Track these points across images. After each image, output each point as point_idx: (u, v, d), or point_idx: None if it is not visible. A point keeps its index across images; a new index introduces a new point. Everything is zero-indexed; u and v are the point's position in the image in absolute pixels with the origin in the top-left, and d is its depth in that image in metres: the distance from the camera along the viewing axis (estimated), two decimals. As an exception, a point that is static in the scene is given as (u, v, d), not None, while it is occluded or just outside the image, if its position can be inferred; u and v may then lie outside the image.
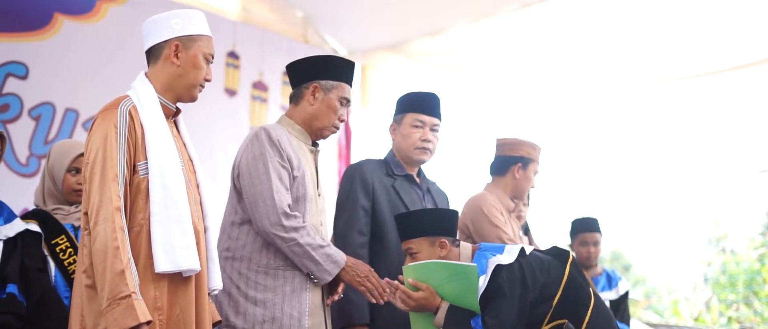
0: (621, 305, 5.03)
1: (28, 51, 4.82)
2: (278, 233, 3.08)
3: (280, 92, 6.29)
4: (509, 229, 4.17)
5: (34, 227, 3.19)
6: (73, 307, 2.61)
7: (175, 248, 2.59)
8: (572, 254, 3.30)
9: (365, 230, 3.61)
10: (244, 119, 6.05)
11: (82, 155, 3.09)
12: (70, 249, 3.24)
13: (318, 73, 3.32)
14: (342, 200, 3.69)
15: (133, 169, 2.62)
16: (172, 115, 2.83)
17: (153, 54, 2.78)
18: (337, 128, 3.39)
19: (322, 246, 3.15)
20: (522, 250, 3.17)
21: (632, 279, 12.14)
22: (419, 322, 3.26)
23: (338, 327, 3.55)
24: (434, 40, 6.45)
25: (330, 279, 3.19)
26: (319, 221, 3.31)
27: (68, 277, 3.20)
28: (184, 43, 2.74)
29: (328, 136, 3.40)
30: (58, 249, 3.24)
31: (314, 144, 3.40)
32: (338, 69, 3.36)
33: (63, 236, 3.26)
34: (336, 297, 3.27)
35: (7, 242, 3.08)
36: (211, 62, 2.84)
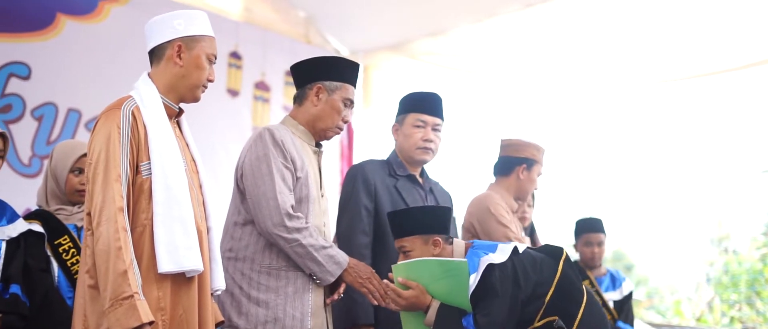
0: (625, 305, 5.03)
1: (31, 51, 4.83)
2: (281, 233, 3.08)
3: (282, 92, 6.29)
4: (515, 228, 4.17)
5: (37, 227, 3.20)
6: (76, 307, 2.62)
7: (178, 248, 2.59)
8: (565, 251, 3.27)
9: (368, 231, 3.60)
10: (246, 120, 6.05)
11: (85, 155, 3.10)
12: (73, 250, 3.24)
13: (322, 74, 3.32)
14: (344, 201, 3.69)
15: (136, 169, 2.63)
16: (175, 115, 2.84)
17: (156, 54, 2.78)
18: (341, 129, 3.39)
19: (324, 247, 3.15)
20: (515, 249, 3.16)
21: (634, 279, 12.12)
22: (410, 321, 3.24)
23: (343, 327, 3.55)
24: (437, 40, 6.45)
25: (332, 280, 3.19)
26: (322, 222, 3.31)
27: (71, 277, 3.20)
28: (186, 43, 2.75)
29: (331, 137, 3.40)
30: (61, 250, 3.24)
31: (318, 145, 3.40)
32: (342, 70, 3.36)
33: (66, 236, 3.27)
34: (336, 297, 3.26)
35: (10, 242, 3.08)
36: (214, 63, 2.84)
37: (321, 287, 3.23)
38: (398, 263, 3.22)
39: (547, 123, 7.87)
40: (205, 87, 2.83)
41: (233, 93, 5.98)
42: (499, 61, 6.46)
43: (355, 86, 3.40)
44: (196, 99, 2.84)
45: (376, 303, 3.22)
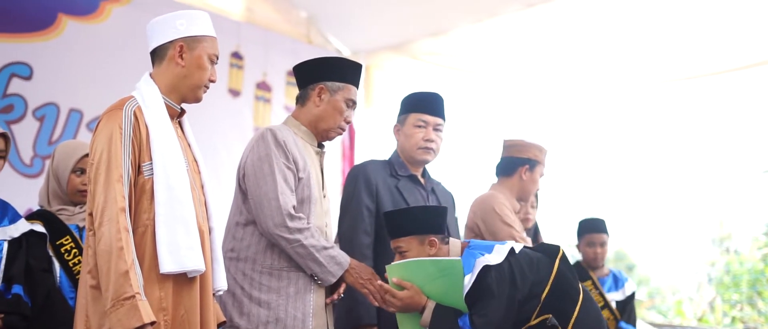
0: (627, 306, 5.03)
1: (32, 52, 4.83)
2: (282, 234, 3.08)
3: (283, 92, 6.30)
4: (519, 228, 4.18)
5: (39, 227, 3.20)
6: (78, 308, 2.62)
7: (179, 248, 2.59)
8: (562, 249, 3.26)
9: (370, 231, 3.60)
10: (247, 120, 6.05)
11: (86, 155, 3.10)
12: (74, 250, 3.25)
13: (324, 75, 3.32)
14: (346, 202, 3.69)
15: (137, 170, 2.63)
16: (177, 116, 2.84)
17: (158, 55, 2.78)
18: (344, 130, 3.39)
19: (326, 248, 3.15)
20: (511, 249, 3.15)
21: (636, 279, 12.11)
22: (406, 322, 3.23)
23: (345, 327, 3.55)
24: (438, 40, 6.45)
25: (334, 280, 3.19)
26: (324, 222, 3.31)
27: (73, 278, 3.20)
28: (188, 44, 2.75)
29: (334, 138, 3.40)
30: (62, 250, 3.24)
31: (320, 146, 3.40)
32: (344, 70, 3.36)
33: (68, 236, 3.27)
34: (335, 297, 3.26)
35: (12, 242, 3.08)
36: (216, 63, 2.84)
37: (322, 287, 3.23)
38: (392, 263, 3.21)
39: (548, 123, 7.86)
40: (207, 87, 2.83)
41: (235, 93, 5.98)
42: (501, 61, 6.46)
43: (357, 87, 3.40)
44: (198, 99, 2.84)
45: (377, 304, 3.22)
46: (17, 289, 3.02)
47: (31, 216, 3.32)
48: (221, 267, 2.88)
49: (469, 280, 3.03)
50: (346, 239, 3.59)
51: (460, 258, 3.12)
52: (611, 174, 13.06)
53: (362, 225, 3.59)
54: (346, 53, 6.65)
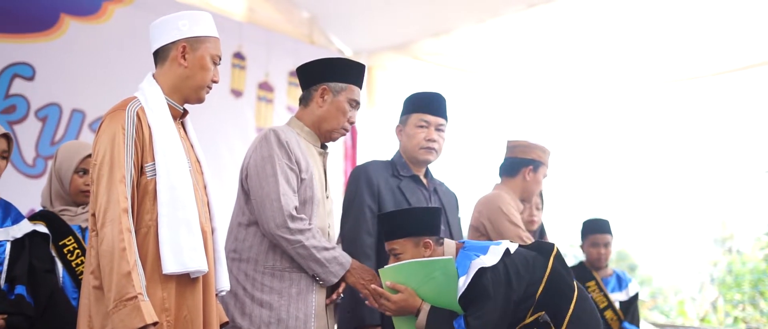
0: (631, 306, 5.03)
1: (35, 52, 4.84)
2: (284, 235, 3.08)
3: (285, 92, 6.30)
4: (525, 228, 4.19)
5: (42, 228, 3.20)
6: (81, 308, 2.62)
7: (182, 249, 2.59)
8: (556, 247, 3.25)
9: (373, 232, 3.59)
10: (249, 120, 6.06)
11: (89, 156, 3.10)
12: (77, 250, 3.25)
13: (327, 75, 3.32)
14: (348, 202, 3.69)
15: (140, 170, 2.62)
16: (180, 116, 2.83)
17: (160, 55, 2.78)
18: (347, 130, 3.39)
19: (327, 248, 3.15)
20: (506, 250, 3.13)
21: (638, 279, 12.08)
22: (402, 325, 3.21)
23: (349, 328, 3.55)
24: (440, 40, 6.45)
25: (335, 280, 3.19)
26: (327, 223, 3.31)
27: (76, 278, 3.21)
28: (191, 44, 2.75)
29: (337, 138, 3.40)
30: (65, 250, 3.24)
31: (323, 146, 3.40)
32: (347, 71, 3.35)
33: (70, 237, 3.27)
34: (335, 297, 3.26)
35: (15, 243, 3.09)
36: (219, 64, 2.84)
37: (324, 288, 3.23)
38: (385, 267, 3.19)
39: (550, 123, 7.85)
40: (210, 88, 2.83)
41: (237, 93, 5.99)
42: (503, 61, 6.46)
43: (361, 87, 3.40)
44: (200, 100, 2.83)
45: (376, 305, 3.21)
46: (20, 290, 3.03)
47: (33, 217, 3.32)
48: (224, 268, 2.88)
49: (464, 282, 3.01)
50: (348, 239, 3.59)
51: (451, 257, 3.11)
52: (613, 174, 13.05)
53: (365, 226, 3.58)
54: (349, 53, 6.65)
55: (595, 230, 5.12)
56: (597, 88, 6.36)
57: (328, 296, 3.25)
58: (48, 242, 3.20)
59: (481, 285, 3.00)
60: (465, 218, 4.25)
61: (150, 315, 2.44)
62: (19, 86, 4.77)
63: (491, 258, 3.06)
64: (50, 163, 3.51)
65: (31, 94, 4.81)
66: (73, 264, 3.23)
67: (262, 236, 3.16)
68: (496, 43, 6.29)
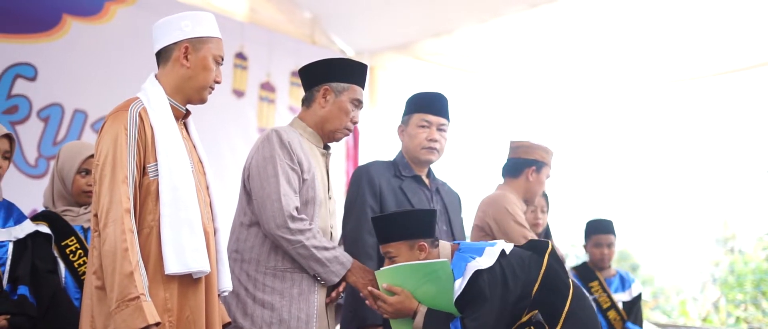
0: (634, 307, 5.03)
1: (37, 52, 4.84)
2: (284, 235, 3.08)
3: (287, 92, 6.30)
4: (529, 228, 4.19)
5: (44, 228, 3.20)
6: (83, 308, 2.62)
7: (185, 249, 2.59)
8: (551, 244, 3.23)
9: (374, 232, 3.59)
10: (251, 120, 6.06)
11: (92, 156, 3.10)
12: (79, 251, 3.25)
13: (329, 76, 3.32)
14: (350, 203, 3.69)
15: (142, 171, 2.62)
16: (182, 117, 2.83)
17: (163, 56, 2.78)
18: (350, 130, 3.38)
19: (327, 248, 3.15)
20: (502, 251, 3.12)
21: (640, 279, 12.08)
22: (399, 328, 3.22)
23: (351, 328, 3.55)
24: (442, 40, 6.45)
25: (337, 280, 3.18)
26: (329, 224, 3.31)
27: (78, 278, 3.21)
28: (193, 45, 2.74)
29: (340, 138, 3.40)
30: (67, 251, 3.24)
31: (326, 147, 3.40)
32: (349, 71, 3.35)
33: (73, 237, 3.27)
34: (334, 296, 3.25)
35: (18, 243, 3.09)
36: (221, 64, 2.84)
37: (325, 289, 3.22)
38: (381, 269, 3.18)
39: (552, 123, 7.87)
40: (212, 88, 2.82)
41: (239, 94, 5.99)
42: (505, 61, 6.46)
43: (363, 87, 3.39)
44: (203, 101, 2.83)
45: (376, 306, 3.21)
46: (23, 290, 3.03)
47: (35, 217, 3.32)
48: (226, 268, 2.88)
49: (460, 284, 3.00)
50: (350, 239, 3.59)
51: (445, 260, 3.10)
52: (615, 174, 13.06)
53: (366, 226, 3.58)
54: (350, 54, 6.65)
55: (598, 231, 5.12)
56: (599, 88, 6.37)
57: (328, 295, 3.25)
58: (50, 243, 3.20)
59: (477, 288, 2.98)
60: (467, 218, 4.26)
61: (152, 316, 2.44)
62: (21, 87, 4.77)
63: (487, 259, 3.04)
64: (52, 163, 3.51)
65: (33, 94, 4.81)
66: (76, 264, 3.23)
67: (264, 236, 3.16)
68: (497, 44, 6.29)
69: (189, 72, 2.75)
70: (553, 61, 6.30)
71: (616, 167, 12.97)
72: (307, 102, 3.37)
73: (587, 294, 4.78)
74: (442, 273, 3.05)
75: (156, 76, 2.79)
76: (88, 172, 3.32)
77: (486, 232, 4.18)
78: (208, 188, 2.85)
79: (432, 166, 3.86)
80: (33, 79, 4.82)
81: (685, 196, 12.20)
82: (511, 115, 7.42)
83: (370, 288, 3.17)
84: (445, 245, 3.22)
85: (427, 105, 3.78)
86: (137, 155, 2.60)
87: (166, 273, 2.57)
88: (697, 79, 5.99)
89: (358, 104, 3.34)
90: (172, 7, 4.06)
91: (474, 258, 3.04)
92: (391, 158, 3.84)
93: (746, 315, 9.62)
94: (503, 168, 4.42)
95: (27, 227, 3.13)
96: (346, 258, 3.21)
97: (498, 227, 4.14)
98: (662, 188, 12.69)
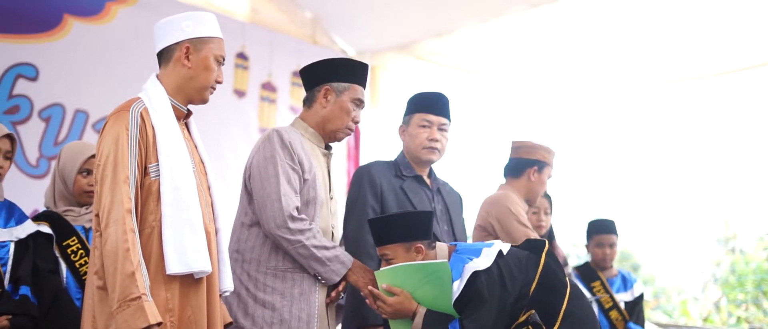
0: (636, 307, 5.03)
1: (38, 52, 4.84)
2: (284, 235, 3.08)
3: (288, 92, 6.30)
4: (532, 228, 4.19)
5: (46, 228, 3.20)
6: (84, 308, 2.62)
7: (186, 249, 2.59)
8: (548, 243, 3.23)
9: (376, 232, 3.59)
10: (253, 120, 6.06)
11: (93, 156, 3.10)
12: (81, 251, 3.25)
13: (330, 76, 3.31)
14: (351, 203, 3.69)
15: (144, 171, 2.62)
16: (184, 117, 2.83)
17: (164, 56, 2.78)
18: (352, 130, 3.38)
19: (327, 248, 3.15)
20: (499, 252, 3.12)
21: (641, 279, 12.08)
22: (398, 328, 3.22)
23: (352, 327, 3.54)
24: (443, 40, 6.45)
25: (338, 279, 3.18)
26: (330, 224, 3.31)
27: (79, 279, 3.21)
28: (195, 45, 2.75)
29: (342, 138, 3.39)
30: (69, 251, 3.24)
31: (327, 147, 3.40)
32: (350, 71, 3.35)
33: (74, 237, 3.27)
34: (334, 295, 3.25)
35: (19, 243, 3.09)
36: (222, 64, 2.84)
37: (326, 288, 3.22)
38: (380, 269, 3.18)
39: (553, 123, 7.86)
40: (214, 88, 2.83)
41: (240, 94, 5.99)
42: (506, 61, 6.47)
43: (364, 87, 3.39)
44: (204, 101, 2.83)
45: (376, 307, 3.21)
46: (24, 290, 3.03)
47: (37, 217, 3.32)
48: (227, 268, 2.88)
49: (458, 286, 3.00)
50: (351, 239, 3.59)
51: (444, 261, 3.09)
52: (616, 174, 13.05)
53: (367, 226, 3.58)
54: (352, 54, 6.66)
55: (600, 231, 5.12)
56: (600, 88, 6.37)
57: (328, 295, 3.25)
58: (52, 243, 3.20)
59: (475, 289, 2.98)
60: (469, 218, 4.26)
61: (154, 316, 2.44)
62: (22, 87, 4.77)
63: (484, 260, 3.04)
64: (54, 163, 3.51)
65: (35, 94, 4.82)
66: (77, 264, 3.23)
67: (265, 236, 3.16)
68: (499, 44, 6.29)
69: (190, 72, 2.75)
70: (555, 61, 6.30)
71: (617, 167, 12.97)
72: (308, 102, 3.37)
73: (589, 294, 4.81)
74: (441, 273, 3.05)
75: (157, 76, 2.79)
76: (89, 172, 3.32)
77: (489, 232, 4.18)
78: (209, 188, 2.86)
79: (433, 166, 3.86)
80: (34, 79, 4.82)
81: (686, 196, 12.20)
82: (513, 115, 7.42)
83: (370, 287, 3.17)
84: (442, 247, 3.22)
85: (428, 105, 3.78)
86: (139, 155, 2.60)
87: (167, 273, 2.57)
88: (698, 79, 5.99)
89: (359, 103, 3.34)
90: (173, 7, 4.06)
91: (471, 259, 3.03)
92: (393, 158, 3.84)
93: (747, 315, 9.62)
94: (505, 168, 4.41)
95: (28, 228, 3.14)
96: (347, 258, 3.21)
97: (501, 228, 4.14)
98: (663, 188, 12.69)
